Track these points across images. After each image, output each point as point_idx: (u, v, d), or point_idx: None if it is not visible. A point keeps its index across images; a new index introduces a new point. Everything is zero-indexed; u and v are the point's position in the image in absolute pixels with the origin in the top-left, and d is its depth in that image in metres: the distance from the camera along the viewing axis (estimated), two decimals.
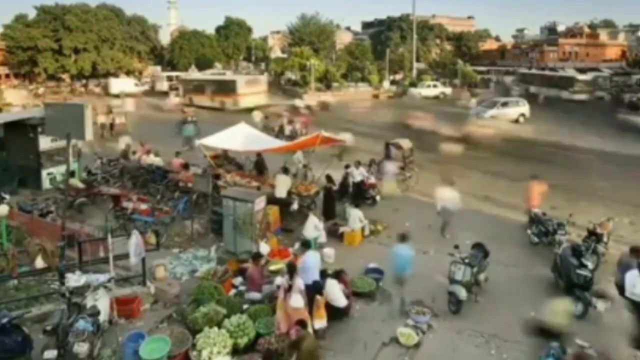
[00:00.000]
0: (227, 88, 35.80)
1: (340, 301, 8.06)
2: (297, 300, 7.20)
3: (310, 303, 7.58)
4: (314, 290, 7.77)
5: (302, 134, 21.73)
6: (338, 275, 8.58)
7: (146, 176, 15.42)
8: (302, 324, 6.70)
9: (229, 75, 45.98)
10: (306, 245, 9.15)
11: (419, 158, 17.89)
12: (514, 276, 9.85)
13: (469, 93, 42.27)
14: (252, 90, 35.64)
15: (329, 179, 13.73)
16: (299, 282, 7.49)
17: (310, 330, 7.03)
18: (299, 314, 7.11)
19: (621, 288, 7.92)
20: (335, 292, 8.01)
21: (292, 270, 7.70)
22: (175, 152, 16.93)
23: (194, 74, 52.68)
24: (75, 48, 54.87)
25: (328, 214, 12.75)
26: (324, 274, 8.38)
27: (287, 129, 23.60)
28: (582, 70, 47.83)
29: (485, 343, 7.64)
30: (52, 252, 8.79)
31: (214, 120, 25.91)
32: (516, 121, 29.89)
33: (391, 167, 15.55)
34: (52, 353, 6.16)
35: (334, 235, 11.67)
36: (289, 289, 7.39)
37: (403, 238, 8.74)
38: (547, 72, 47.46)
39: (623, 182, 16.48)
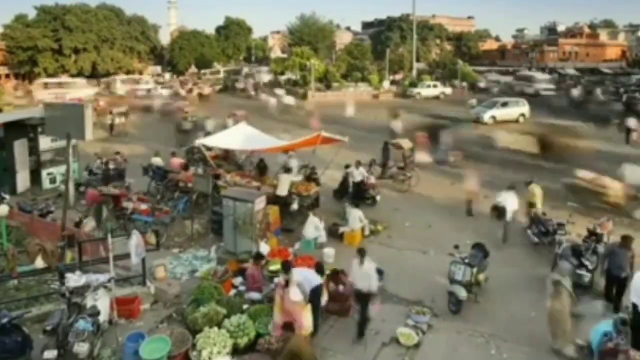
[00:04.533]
0: None
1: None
2: (296, 294, 7.12)
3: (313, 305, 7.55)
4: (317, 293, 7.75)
5: None
6: (335, 275, 8.58)
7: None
8: (289, 326, 6.64)
9: None
10: (286, 266, 7.73)
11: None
12: (514, 276, 9.85)
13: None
14: None
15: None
16: (296, 276, 7.36)
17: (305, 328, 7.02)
18: (298, 308, 7.07)
19: (609, 277, 8.30)
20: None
21: (287, 267, 7.60)
22: (171, 152, 16.90)
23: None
24: (75, 48, 54.87)
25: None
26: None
27: None
28: (581, 70, 48.20)
29: (485, 343, 7.65)
30: (52, 252, 8.79)
31: None
32: (516, 121, 29.91)
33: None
34: (52, 353, 6.16)
35: (334, 235, 11.67)
36: (286, 285, 7.34)
37: None
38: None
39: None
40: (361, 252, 7.85)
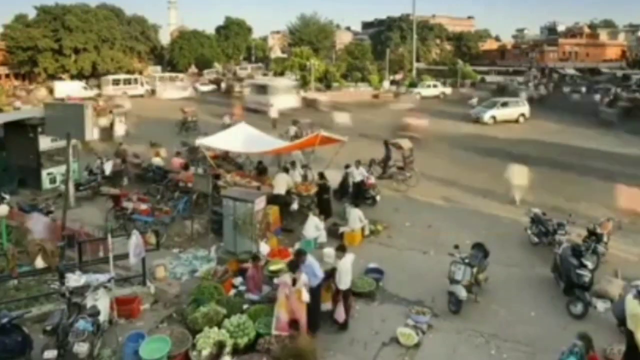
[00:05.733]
0: None
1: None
2: (306, 294, 7.18)
3: (313, 303, 7.58)
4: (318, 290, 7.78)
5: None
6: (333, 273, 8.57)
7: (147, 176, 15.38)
8: (295, 324, 6.69)
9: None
10: (301, 253, 8.06)
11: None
12: (514, 276, 9.85)
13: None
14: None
15: (321, 176, 13.74)
16: (304, 277, 7.44)
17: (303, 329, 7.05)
18: (303, 307, 7.09)
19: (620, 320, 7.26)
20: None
21: (294, 266, 7.67)
22: (176, 152, 16.93)
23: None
24: (75, 48, 54.83)
25: (324, 211, 12.70)
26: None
27: (292, 130, 23.53)
28: (581, 70, 48.14)
29: (485, 343, 7.65)
30: (52, 252, 8.79)
31: None
32: (516, 121, 29.92)
33: None
34: (52, 353, 6.17)
35: (334, 235, 11.67)
36: (293, 284, 7.36)
37: None
38: None
39: (622, 182, 16.45)
40: None
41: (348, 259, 8.09)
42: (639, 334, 6.53)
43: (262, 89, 33.36)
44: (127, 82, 45.71)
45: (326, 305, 7.87)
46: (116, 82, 44.88)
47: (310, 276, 7.63)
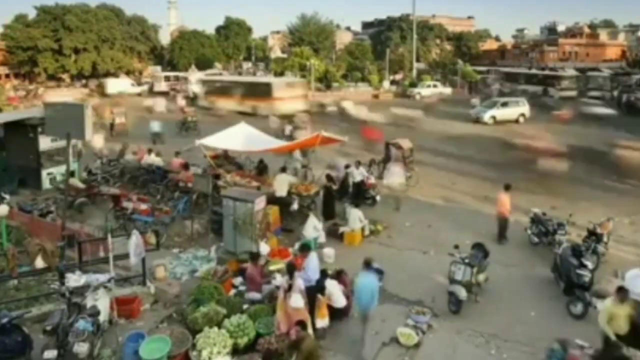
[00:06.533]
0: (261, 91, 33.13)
1: (340, 301, 8.03)
2: (298, 300, 7.19)
3: (312, 303, 7.60)
4: (315, 291, 7.78)
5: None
6: (338, 275, 8.60)
7: (146, 176, 15.43)
8: (301, 324, 6.70)
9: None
10: (306, 247, 8.78)
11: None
12: (514, 276, 9.86)
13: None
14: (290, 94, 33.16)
15: (329, 178, 13.73)
16: (299, 282, 7.48)
17: (310, 330, 7.03)
18: (299, 314, 7.10)
19: None
20: (335, 292, 8.00)
21: (291, 270, 7.69)
22: (175, 152, 16.90)
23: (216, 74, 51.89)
24: (75, 48, 54.84)
25: (328, 213, 12.72)
26: (324, 274, 8.38)
27: (287, 129, 23.61)
28: (582, 70, 47.47)
29: (485, 343, 7.65)
30: (52, 252, 8.80)
31: None
32: (516, 121, 29.90)
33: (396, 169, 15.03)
34: (52, 353, 6.17)
35: (334, 235, 11.67)
36: (289, 289, 7.39)
37: (367, 264, 7.61)
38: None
39: (623, 182, 16.46)
40: None
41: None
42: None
43: (185, 80, 48.09)
44: (176, 78, 50.59)
45: (323, 322, 7.68)
46: (167, 79, 50.67)
47: (304, 282, 7.67)
